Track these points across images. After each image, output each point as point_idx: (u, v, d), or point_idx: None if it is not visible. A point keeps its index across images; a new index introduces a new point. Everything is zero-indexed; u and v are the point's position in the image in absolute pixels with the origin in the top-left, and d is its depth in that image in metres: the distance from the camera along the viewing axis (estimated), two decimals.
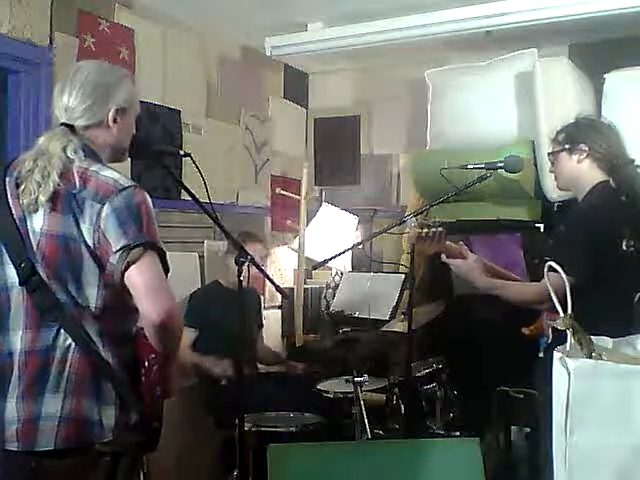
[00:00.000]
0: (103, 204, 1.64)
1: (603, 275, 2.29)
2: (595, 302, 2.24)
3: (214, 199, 2.27)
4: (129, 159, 1.99)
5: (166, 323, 1.66)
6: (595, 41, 3.80)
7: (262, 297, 4.33)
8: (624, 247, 2.34)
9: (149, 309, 1.65)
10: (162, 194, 3.53)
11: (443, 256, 2.57)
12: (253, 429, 2.87)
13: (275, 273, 4.50)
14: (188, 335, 3.47)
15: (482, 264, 2.59)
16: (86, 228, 1.65)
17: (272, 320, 4.43)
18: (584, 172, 2.47)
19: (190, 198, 2.16)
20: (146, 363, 1.75)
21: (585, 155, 2.45)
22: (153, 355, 1.75)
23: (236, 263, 2.31)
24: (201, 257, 3.89)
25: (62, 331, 1.67)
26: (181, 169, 3.46)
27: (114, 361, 1.70)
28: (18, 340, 1.69)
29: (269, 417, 3.10)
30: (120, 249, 1.63)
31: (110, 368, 1.69)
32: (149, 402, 1.76)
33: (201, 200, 2.19)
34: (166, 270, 1.72)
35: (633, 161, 2.50)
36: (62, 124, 1.78)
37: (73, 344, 1.66)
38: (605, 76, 3.51)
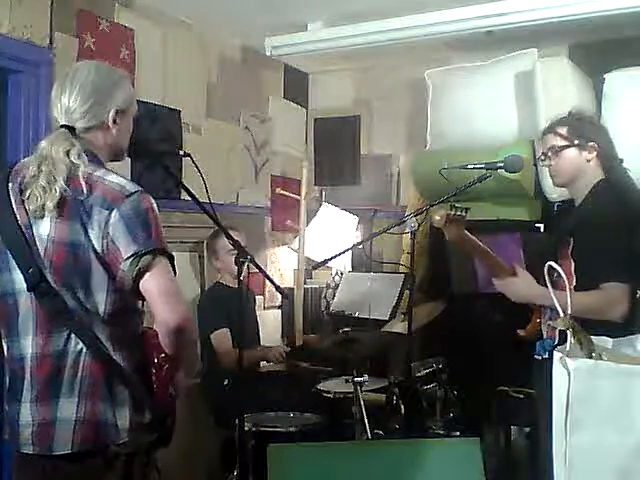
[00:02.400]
0: (111, 210, 1.65)
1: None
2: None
3: (214, 199, 2.28)
4: (129, 159, 2.00)
5: (183, 327, 1.68)
6: (595, 41, 3.79)
7: (262, 297, 4.34)
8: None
9: (165, 314, 1.66)
10: (162, 194, 3.52)
11: (495, 281, 2.43)
12: (253, 429, 2.87)
13: (275, 273, 4.50)
14: (225, 336, 3.44)
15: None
16: (94, 234, 1.65)
17: (272, 320, 4.43)
18: (588, 170, 2.44)
19: (190, 198, 2.16)
20: (156, 361, 1.75)
21: (595, 153, 2.42)
22: (163, 354, 1.76)
23: (236, 263, 2.32)
24: (201, 257, 3.89)
25: (73, 336, 1.67)
26: (181, 169, 3.46)
27: (125, 363, 1.70)
28: (29, 345, 1.69)
29: (269, 417, 3.10)
30: (130, 256, 1.64)
31: (122, 370, 1.70)
32: (162, 399, 1.76)
33: (201, 200, 2.19)
34: (174, 274, 1.74)
35: (622, 160, 2.49)
36: (62, 126, 1.77)
37: (84, 348, 1.67)
38: (605, 76, 3.50)
